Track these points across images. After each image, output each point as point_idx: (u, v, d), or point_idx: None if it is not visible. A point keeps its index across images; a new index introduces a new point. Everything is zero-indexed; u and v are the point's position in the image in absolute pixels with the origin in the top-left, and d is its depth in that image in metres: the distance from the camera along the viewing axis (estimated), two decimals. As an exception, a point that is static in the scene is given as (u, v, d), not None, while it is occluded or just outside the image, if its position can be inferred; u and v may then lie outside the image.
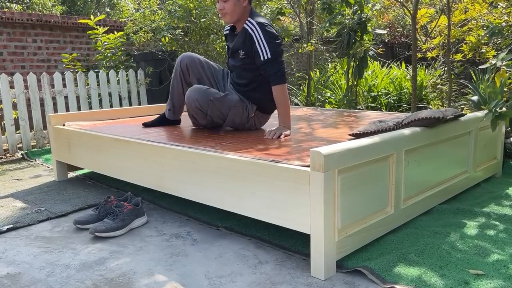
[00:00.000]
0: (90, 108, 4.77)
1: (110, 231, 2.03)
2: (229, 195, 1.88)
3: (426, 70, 6.41)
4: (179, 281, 1.60)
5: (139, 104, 5.21)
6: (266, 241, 1.91)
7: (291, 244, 1.86)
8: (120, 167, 2.47)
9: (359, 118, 2.99)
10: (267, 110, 2.70)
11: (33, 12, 6.11)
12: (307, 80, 5.51)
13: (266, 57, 2.41)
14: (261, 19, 2.46)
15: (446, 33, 4.08)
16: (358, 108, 4.88)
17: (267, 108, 2.68)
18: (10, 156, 4.01)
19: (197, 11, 5.05)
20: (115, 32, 5.33)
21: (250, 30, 2.43)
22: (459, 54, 4.48)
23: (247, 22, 2.45)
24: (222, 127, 2.72)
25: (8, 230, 2.15)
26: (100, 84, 4.76)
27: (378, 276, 1.54)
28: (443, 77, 5.77)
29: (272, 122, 2.92)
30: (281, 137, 2.34)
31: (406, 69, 6.31)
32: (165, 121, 2.88)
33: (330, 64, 6.99)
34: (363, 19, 3.96)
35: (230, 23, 2.53)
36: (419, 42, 4.72)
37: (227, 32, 2.69)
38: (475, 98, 3.46)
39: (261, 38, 2.41)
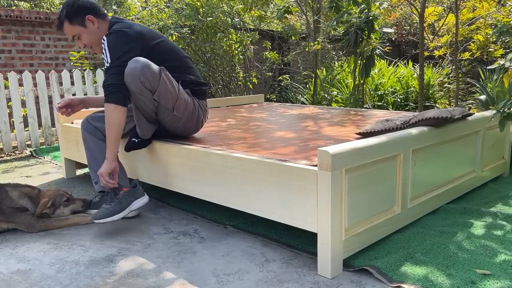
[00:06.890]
0: (98, 106, 4.80)
1: (108, 216, 2.00)
2: (237, 194, 1.89)
3: (433, 68, 6.39)
4: (187, 278, 1.62)
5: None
6: (273, 239, 1.93)
7: (298, 242, 1.87)
8: (127, 164, 2.49)
9: (366, 117, 2.99)
10: (198, 92, 2.32)
11: (41, 10, 6.15)
12: (313, 79, 5.50)
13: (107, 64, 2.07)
14: (116, 26, 2.14)
15: (454, 31, 4.06)
16: (364, 106, 4.87)
17: (195, 88, 2.29)
18: (19, 153, 4.05)
19: (204, 9, 5.06)
20: (123, 30, 5.34)
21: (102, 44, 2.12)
22: (467, 52, 4.46)
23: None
24: (164, 125, 2.25)
25: (18, 226, 2.18)
26: (107, 82, 4.77)
27: (385, 275, 1.55)
28: (451, 75, 5.75)
29: (281, 120, 2.93)
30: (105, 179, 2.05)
31: (413, 68, 6.29)
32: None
33: (336, 63, 6.98)
34: (370, 17, 3.95)
35: (101, 52, 2.15)
36: (426, 41, 4.70)
37: None
38: (482, 97, 3.44)
39: (105, 46, 2.08)
